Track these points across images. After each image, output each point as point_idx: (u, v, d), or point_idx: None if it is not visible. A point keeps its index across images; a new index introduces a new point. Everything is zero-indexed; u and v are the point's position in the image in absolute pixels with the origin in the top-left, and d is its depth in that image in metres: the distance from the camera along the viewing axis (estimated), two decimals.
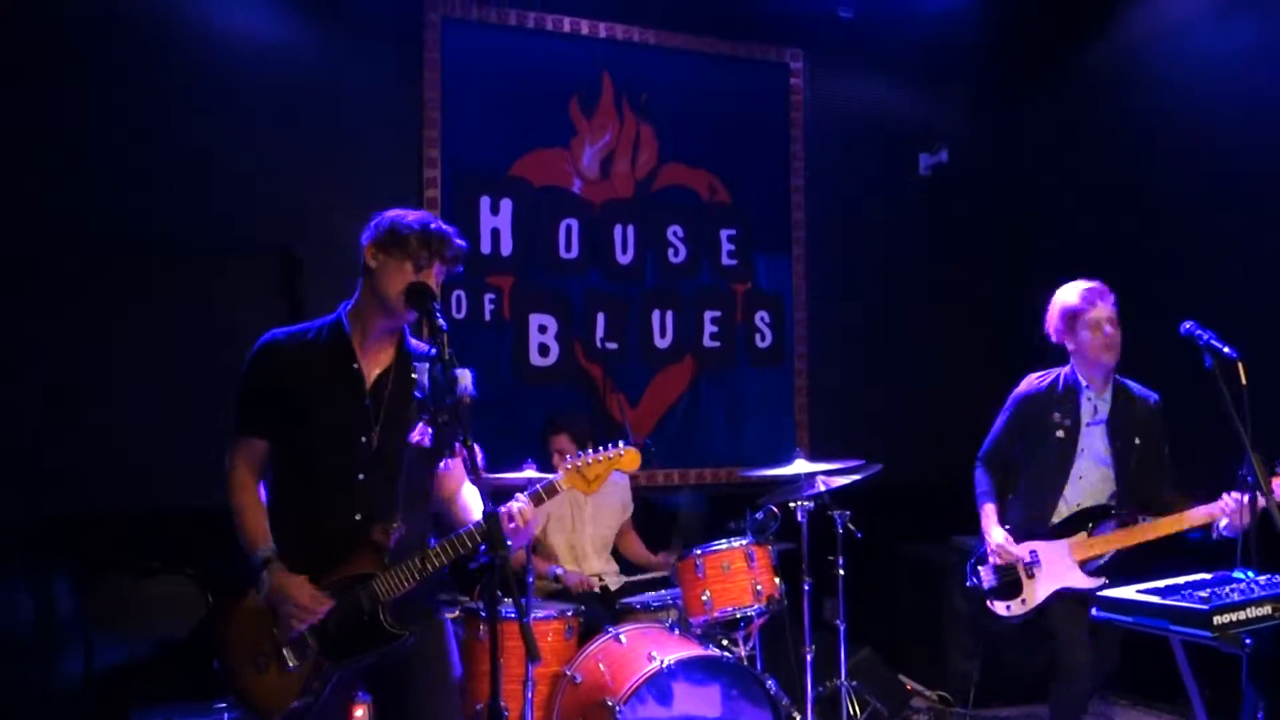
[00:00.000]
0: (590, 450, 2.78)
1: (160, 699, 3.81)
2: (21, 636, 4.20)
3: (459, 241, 2.62)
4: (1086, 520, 3.61)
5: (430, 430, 2.60)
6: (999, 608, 3.67)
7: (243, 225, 4.54)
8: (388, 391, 2.61)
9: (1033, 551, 3.63)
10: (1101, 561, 3.57)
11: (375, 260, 2.59)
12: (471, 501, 2.76)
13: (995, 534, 3.71)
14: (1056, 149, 5.81)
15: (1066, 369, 3.76)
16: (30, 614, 4.25)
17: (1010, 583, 3.66)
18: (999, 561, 3.67)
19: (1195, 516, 3.40)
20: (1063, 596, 3.55)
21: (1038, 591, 3.59)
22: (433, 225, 2.59)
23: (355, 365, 2.60)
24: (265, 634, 2.52)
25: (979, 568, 3.78)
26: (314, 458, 2.57)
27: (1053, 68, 5.84)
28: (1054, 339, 3.74)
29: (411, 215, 2.60)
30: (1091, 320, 3.59)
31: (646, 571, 4.65)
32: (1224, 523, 3.33)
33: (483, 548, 2.54)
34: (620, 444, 2.80)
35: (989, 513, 3.77)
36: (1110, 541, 3.54)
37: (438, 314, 2.44)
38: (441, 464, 2.71)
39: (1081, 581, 3.53)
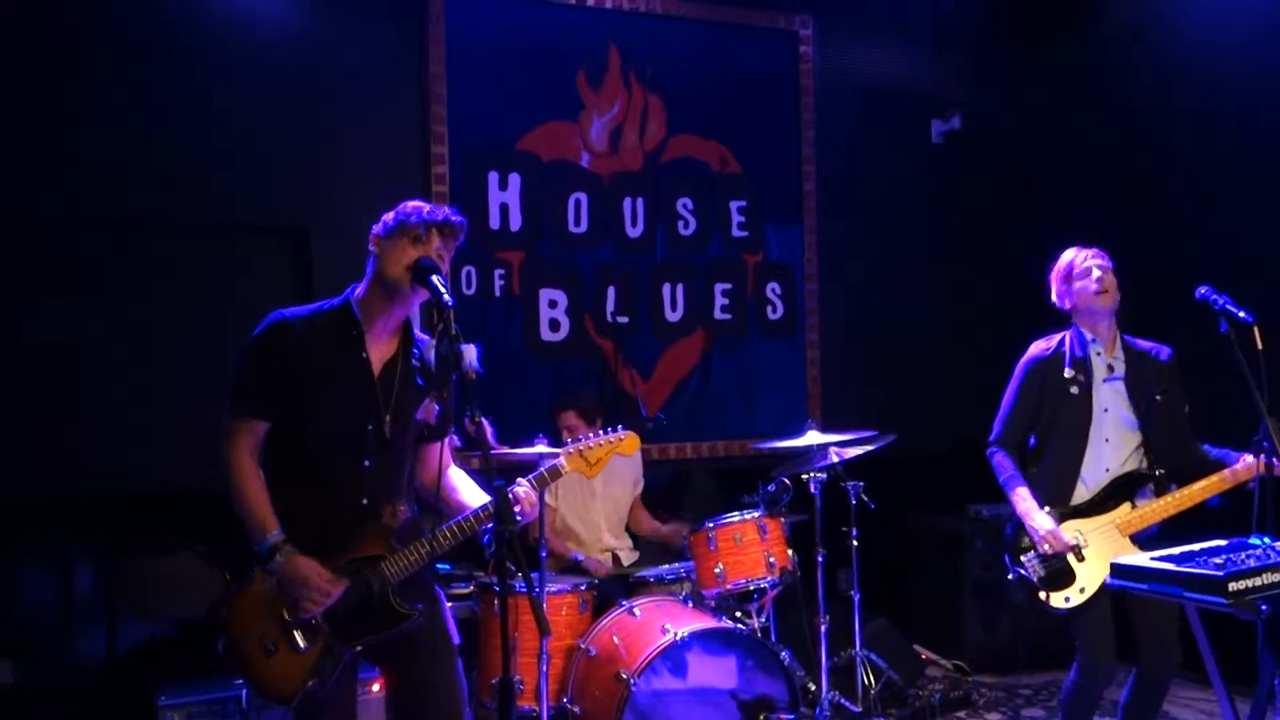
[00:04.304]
0: (591, 434, 2.88)
1: (184, 676, 3.83)
2: (47, 617, 4.24)
3: (456, 217, 2.65)
4: (1125, 490, 3.42)
5: (437, 407, 2.63)
6: (1057, 600, 3.35)
7: (250, 204, 4.54)
8: (395, 380, 2.63)
9: (1077, 532, 3.39)
10: (1152, 532, 3.40)
11: (378, 246, 2.63)
12: (460, 482, 2.83)
13: (1042, 520, 3.38)
14: (1068, 114, 5.73)
15: (1070, 330, 3.60)
16: (54, 594, 4.29)
17: (1060, 570, 3.36)
18: (1049, 550, 3.36)
19: (1243, 471, 3.24)
20: None
21: (1095, 575, 3.31)
22: (428, 207, 2.63)
23: (364, 354, 2.61)
24: (273, 616, 2.53)
25: (1020, 557, 3.43)
26: (321, 444, 2.58)
27: (1064, 31, 5.75)
28: (1057, 303, 3.62)
29: (412, 205, 2.64)
30: (1082, 269, 3.48)
31: (657, 546, 4.66)
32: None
33: (488, 525, 2.59)
34: (620, 429, 2.91)
35: (1024, 496, 3.44)
36: (1160, 510, 3.35)
37: (444, 290, 2.45)
38: (436, 443, 2.76)
39: (1137, 557, 3.18)
